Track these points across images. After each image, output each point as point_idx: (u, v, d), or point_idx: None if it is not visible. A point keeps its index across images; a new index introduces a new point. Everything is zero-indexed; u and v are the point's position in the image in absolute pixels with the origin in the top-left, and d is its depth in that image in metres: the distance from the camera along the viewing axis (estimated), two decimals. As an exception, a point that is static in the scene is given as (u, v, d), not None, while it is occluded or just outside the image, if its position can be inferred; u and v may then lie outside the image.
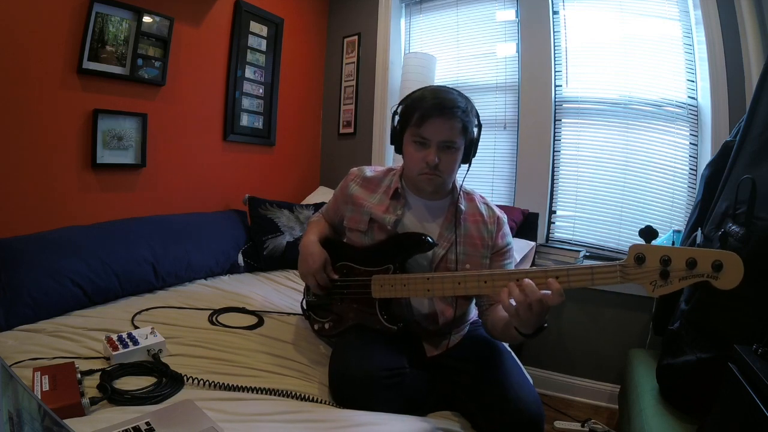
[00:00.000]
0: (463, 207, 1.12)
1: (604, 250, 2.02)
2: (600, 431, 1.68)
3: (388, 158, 2.49)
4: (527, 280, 0.83)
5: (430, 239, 1.04)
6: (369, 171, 1.21)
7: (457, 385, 1.02)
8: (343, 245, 1.20)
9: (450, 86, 1.09)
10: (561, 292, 0.81)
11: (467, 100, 1.06)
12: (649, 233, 0.82)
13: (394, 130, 1.10)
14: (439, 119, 0.99)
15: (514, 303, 0.83)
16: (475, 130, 1.08)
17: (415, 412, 0.95)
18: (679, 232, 1.65)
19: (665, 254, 0.78)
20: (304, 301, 1.31)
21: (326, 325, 1.19)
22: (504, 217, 1.15)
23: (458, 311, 1.12)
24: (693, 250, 0.77)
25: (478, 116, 1.08)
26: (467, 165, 1.11)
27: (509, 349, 1.18)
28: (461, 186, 1.14)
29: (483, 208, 1.14)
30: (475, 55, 2.32)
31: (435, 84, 1.15)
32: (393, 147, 1.14)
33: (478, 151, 1.11)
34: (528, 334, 0.88)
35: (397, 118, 1.10)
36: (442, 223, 1.11)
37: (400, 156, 1.14)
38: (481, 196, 1.18)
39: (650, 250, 0.80)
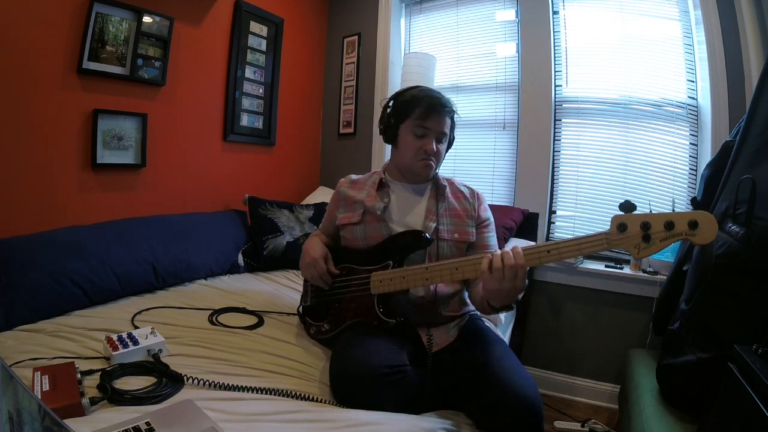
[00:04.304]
0: (444, 184, 1.25)
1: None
2: (600, 431, 1.68)
3: (388, 158, 2.48)
4: (508, 251, 0.94)
5: (427, 235, 1.12)
6: (354, 176, 1.37)
7: (456, 381, 1.02)
8: (344, 249, 1.25)
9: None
10: (521, 254, 0.92)
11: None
12: (628, 207, 0.87)
13: (387, 123, 1.23)
14: (440, 114, 1.16)
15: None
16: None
17: (415, 409, 0.95)
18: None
19: (645, 220, 0.85)
20: (301, 307, 1.33)
21: (323, 327, 1.20)
22: (483, 194, 1.30)
23: (451, 288, 1.20)
24: (670, 213, 0.85)
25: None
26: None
27: (502, 337, 1.22)
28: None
29: (463, 188, 1.29)
30: (475, 55, 2.32)
31: (426, 86, 1.30)
32: (386, 142, 1.28)
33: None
34: (496, 308, 1.03)
35: (389, 111, 1.23)
36: (427, 200, 1.23)
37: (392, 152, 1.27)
38: (459, 181, 1.32)
39: (631, 218, 0.87)
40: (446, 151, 1.25)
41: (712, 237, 0.80)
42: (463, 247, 1.21)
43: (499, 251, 0.95)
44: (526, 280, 0.95)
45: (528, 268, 0.95)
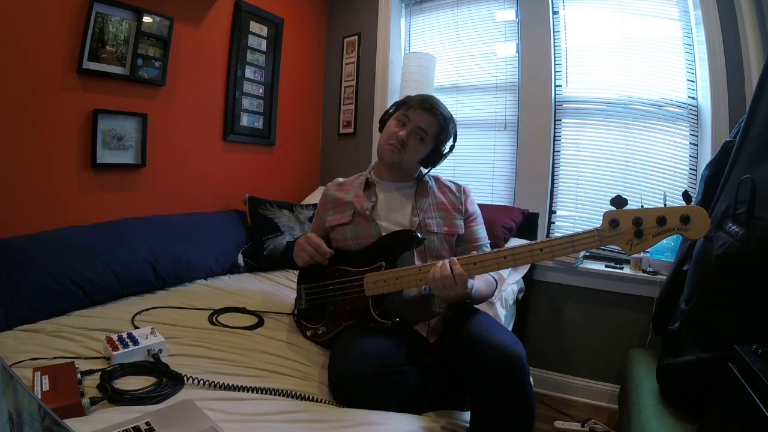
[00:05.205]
0: (430, 182, 1.30)
1: (604, 249, 2.02)
2: (600, 431, 1.68)
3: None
4: (446, 263, 0.99)
5: (418, 235, 1.13)
6: (341, 179, 1.39)
7: (453, 375, 1.03)
8: (336, 251, 1.24)
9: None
10: (456, 264, 0.98)
11: (452, 117, 1.27)
12: (619, 202, 0.88)
13: (385, 113, 1.30)
14: (425, 111, 1.21)
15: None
16: (447, 144, 1.27)
17: (415, 409, 0.95)
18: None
19: (637, 215, 0.85)
20: (296, 310, 1.33)
21: (320, 330, 1.20)
22: (469, 188, 1.33)
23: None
24: (661, 208, 0.84)
25: (455, 137, 1.27)
26: (428, 168, 1.30)
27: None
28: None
29: (449, 184, 1.32)
30: (475, 55, 2.32)
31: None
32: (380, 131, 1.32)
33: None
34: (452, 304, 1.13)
35: (393, 105, 1.29)
36: (414, 197, 1.26)
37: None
38: (446, 178, 1.35)
39: (622, 213, 0.87)
40: (431, 159, 1.26)
41: (704, 231, 0.81)
42: (452, 240, 1.23)
43: (440, 263, 0.99)
44: (471, 283, 1.02)
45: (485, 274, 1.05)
